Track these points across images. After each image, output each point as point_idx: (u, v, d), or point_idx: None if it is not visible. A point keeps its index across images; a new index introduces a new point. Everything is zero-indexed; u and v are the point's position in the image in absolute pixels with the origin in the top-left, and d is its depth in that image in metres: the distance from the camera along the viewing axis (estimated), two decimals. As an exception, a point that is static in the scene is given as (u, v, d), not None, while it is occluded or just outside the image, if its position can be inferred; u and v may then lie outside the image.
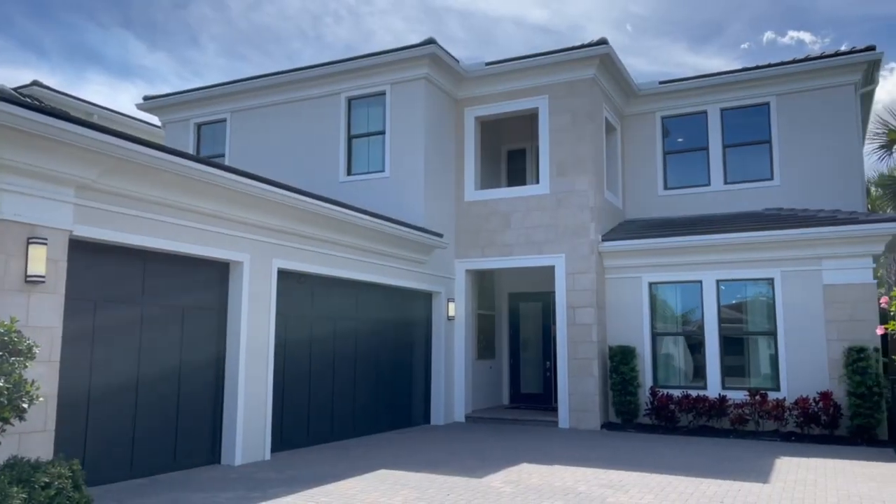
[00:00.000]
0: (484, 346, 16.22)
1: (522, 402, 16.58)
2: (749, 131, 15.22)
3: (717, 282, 13.51)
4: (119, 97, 44.66)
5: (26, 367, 5.41)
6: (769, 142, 14.96)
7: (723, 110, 15.50)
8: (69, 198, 7.22)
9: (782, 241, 12.79)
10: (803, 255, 12.74)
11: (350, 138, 14.92)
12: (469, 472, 8.83)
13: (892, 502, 7.28)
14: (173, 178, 8.23)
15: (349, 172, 14.78)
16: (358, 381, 12.22)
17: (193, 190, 8.59)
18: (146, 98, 16.86)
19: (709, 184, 15.44)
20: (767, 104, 15.04)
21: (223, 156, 16.02)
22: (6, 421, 5.32)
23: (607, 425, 13.49)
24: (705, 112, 15.63)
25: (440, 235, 13.93)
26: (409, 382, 13.84)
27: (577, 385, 13.61)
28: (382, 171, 14.40)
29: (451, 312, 14.71)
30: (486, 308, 16.52)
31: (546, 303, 16.55)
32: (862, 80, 14.56)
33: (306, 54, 46.41)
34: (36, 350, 5.55)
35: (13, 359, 5.32)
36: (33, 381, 5.50)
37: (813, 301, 12.62)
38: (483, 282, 16.42)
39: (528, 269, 15.10)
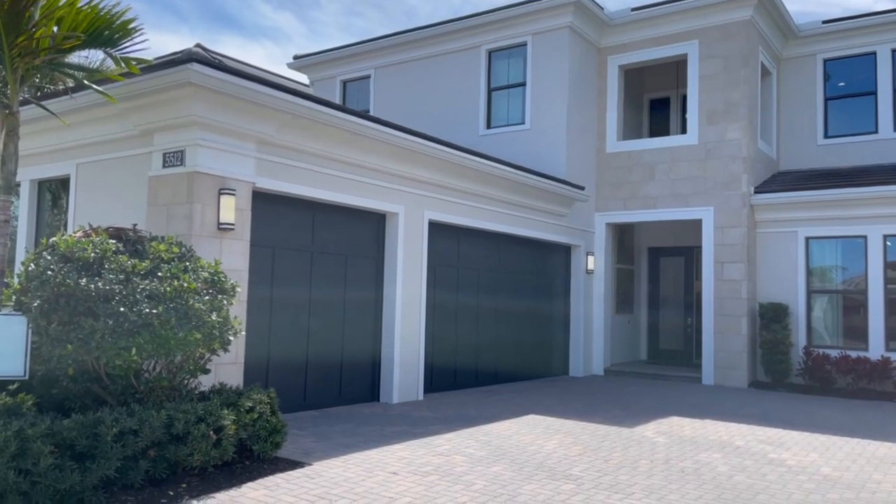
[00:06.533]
0: (622, 300, 16.06)
1: (661, 358, 16.34)
2: (927, 72, 13.84)
3: (885, 237, 12.58)
4: (249, 57, 46.96)
5: (231, 304, 6.04)
6: (951, 83, 13.56)
7: (894, 51, 14.15)
8: (251, 152, 7.84)
9: (964, 193, 11.69)
10: None
11: (490, 91, 14.98)
12: (618, 422, 8.93)
13: None
14: (340, 134, 8.69)
15: (489, 125, 14.89)
16: (500, 329, 12.53)
17: (357, 145, 9.03)
18: (296, 57, 17.67)
19: (876, 131, 14.24)
20: (950, 41, 13.58)
21: (367, 111, 16.56)
22: (214, 352, 5.98)
23: (755, 384, 13.09)
24: (874, 53, 14.34)
25: (582, 188, 13.83)
26: (549, 334, 14.01)
27: (724, 342, 13.24)
28: (523, 123, 14.39)
29: (591, 266, 14.65)
30: (624, 262, 16.31)
31: (688, 257, 16.10)
32: None
33: (423, 10, 46.47)
34: (238, 289, 6.17)
35: (220, 296, 5.94)
36: (236, 317, 6.13)
37: None
38: (622, 235, 16.17)
39: (670, 223, 14.72)
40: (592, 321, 14.66)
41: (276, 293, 8.55)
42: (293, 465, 6.20)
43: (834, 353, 12.59)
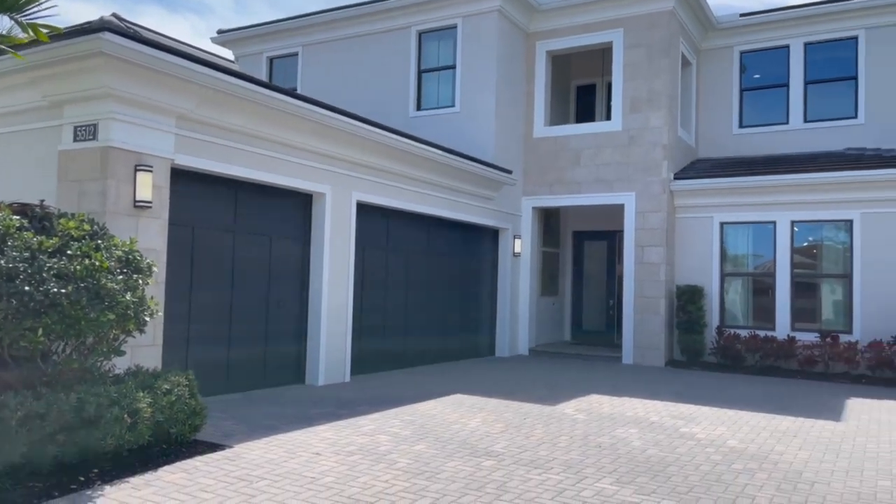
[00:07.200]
0: (548, 282, 16.40)
1: (584, 339, 16.80)
2: (834, 67, 14.61)
3: (792, 223, 13.27)
4: (172, 30, 45.17)
5: (147, 284, 5.84)
6: (855, 78, 14.35)
7: (806, 45, 14.87)
8: (170, 127, 7.57)
9: (864, 182, 12.43)
10: (886, 196, 12.38)
11: (420, 73, 14.92)
12: (541, 400, 9.15)
13: (971, 443, 7.29)
14: (264, 111, 8.49)
15: (419, 107, 14.85)
16: (428, 311, 12.60)
17: (282, 123, 8.85)
18: (220, 32, 17.11)
19: (787, 122, 14.97)
20: (855, 38, 14.35)
21: (295, 89, 16.22)
22: (129, 333, 5.78)
23: (672, 363, 13.64)
24: (787, 46, 15.02)
25: (509, 172, 13.98)
26: (476, 315, 14.18)
27: (643, 323, 13.72)
28: (453, 106, 14.41)
29: (518, 249, 14.88)
30: (550, 245, 16.63)
31: (611, 241, 16.56)
32: (961, 11, 13.73)
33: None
34: (154, 269, 5.97)
35: (135, 276, 5.74)
36: (152, 297, 5.95)
37: (893, 244, 12.31)
38: (549, 219, 16.47)
39: (594, 208, 15.09)
40: (519, 303, 14.92)
41: (197, 273, 8.32)
42: (213, 447, 6.09)
43: (744, 332, 13.24)
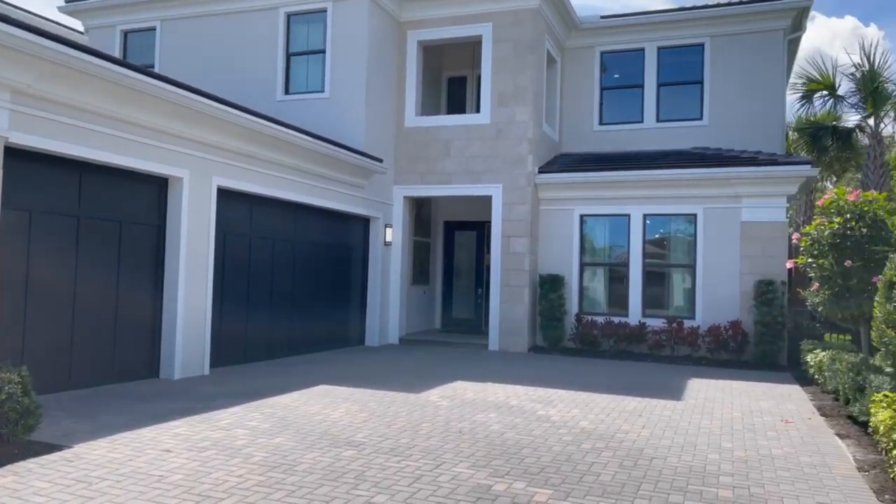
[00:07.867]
0: (419, 272, 16.56)
1: (454, 327, 17.13)
2: (683, 71, 15.68)
3: (644, 216, 14.16)
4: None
5: (-29, 273, 5.32)
6: (701, 82, 15.48)
7: (660, 49, 15.85)
8: (5, 103, 6.91)
9: (706, 179, 13.47)
10: (725, 193, 13.47)
11: (288, 56, 14.53)
12: (407, 388, 9.24)
13: (787, 415, 8.13)
14: (112, 88, 7.94)
15: (287, 91, 14.46)
16: (296, 301, 12.35)
17: (133, 101, 8.32)
18: (68, 0, 15.79)
19: (642, 121, 15.91)
20: (702, 45, 15.47)
21: (152, 66, 15.30)
22: (-51, 327, 5.25)
23: (535, 349, 14.19)
24: (643, 50, 15.95)
25: (380, 160, 13.94)
26: (346, 304, 14.07)
27: (508, 311, 14.17)
28: (322, 91, 14.15)
29: (389, 238, 14.89)
30: (421, 235, 16.78)
31: (480, 232, 16.96)
32: (791, 26, 15.13)
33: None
34: (-20, 256, 5.45)
35: (-44, 264, 5.21)
36: (-23, 288, 5.43)
37: (730, 237, 13.44)
38: (420, 209, 16.60)
39: (464, 199, 15.38)
40: (389, 292, 14.95)
41: (35, 261, 7.68)
42: (50, 448, 5.66)
43: (601, 319, 14.01)
